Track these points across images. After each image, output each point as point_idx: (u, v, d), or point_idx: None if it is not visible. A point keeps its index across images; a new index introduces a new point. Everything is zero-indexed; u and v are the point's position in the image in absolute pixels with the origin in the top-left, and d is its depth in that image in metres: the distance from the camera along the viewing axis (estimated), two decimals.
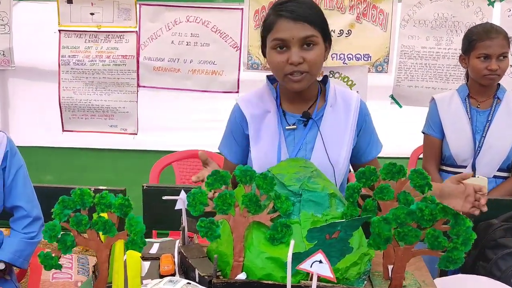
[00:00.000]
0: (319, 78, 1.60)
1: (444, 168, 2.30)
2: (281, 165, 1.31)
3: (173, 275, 1.24)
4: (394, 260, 1.07)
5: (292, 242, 1.00)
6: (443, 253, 1.04)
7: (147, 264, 1.31)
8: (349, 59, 3.37)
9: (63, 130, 3.56)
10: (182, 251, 1.27)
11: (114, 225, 1.04)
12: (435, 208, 1.01)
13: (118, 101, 3.51)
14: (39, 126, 3.63)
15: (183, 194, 1.28)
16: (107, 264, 1.05)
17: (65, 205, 1.03)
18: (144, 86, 3.47)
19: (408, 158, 3.09)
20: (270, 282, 1.10)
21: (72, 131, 3.57)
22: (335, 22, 3.19)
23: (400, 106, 3.34)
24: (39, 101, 3.61)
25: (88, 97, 3.54)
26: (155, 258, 1.32)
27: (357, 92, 1.59)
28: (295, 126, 1.52)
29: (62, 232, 1.04)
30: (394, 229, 1.05)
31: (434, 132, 2.29)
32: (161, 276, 1.24)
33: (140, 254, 0.99)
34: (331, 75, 3.37)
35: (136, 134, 3.52)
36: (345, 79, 3.41)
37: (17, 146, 1.66)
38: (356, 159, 1.60)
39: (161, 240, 1.45)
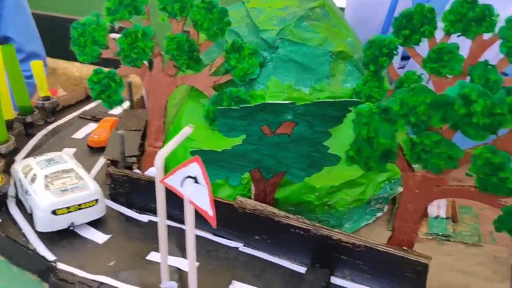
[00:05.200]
0: None
1: None
2: None
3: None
4: (402, 195, 0.52)
5: (187, 129, 0.52)
6: (505, 204, 0.46)
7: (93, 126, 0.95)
8: None
9: None
10: (120, 117, 0.87)
11: None
12: (499, 97, 0.41)
13: None
14: None
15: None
16: None
17: None
18: None
19: None
20: None
21: None
22: None
23: None
24: None
25: None
26: (97, 120, 0.96)
27: None
28: None
29: None
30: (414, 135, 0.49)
31: None
32: (89, 147, 0.88)
33: None
34: None
35: None
36: None
37: None
38: None
39: None
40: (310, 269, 0.61)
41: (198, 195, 0.44)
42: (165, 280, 0.54)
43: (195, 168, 0.43)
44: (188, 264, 0.50)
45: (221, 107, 0.52)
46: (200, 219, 0.68)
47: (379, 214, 0.72)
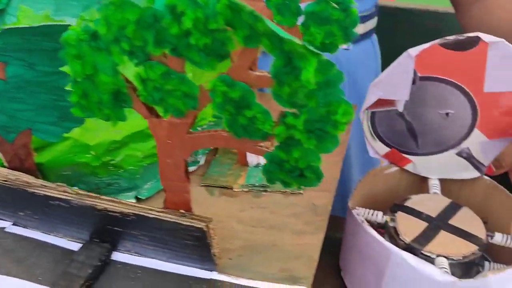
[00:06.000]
0: None
1: None
2: None
3: None
4: (157, 147, 0.41)
5: None
6: (267, 150, 0.36)
7: None
8: None
9: None
10: None
11: None
12: (211, 6, 0.29)
13: None
14: None
15: None
16: None
17: None
18: None
19: None
20: None
21: None
22: None
23: None
24: None
25: None
26: None
27: None
28: None
29: None
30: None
31: None
32: None
33: None
34: None
35: None
36: None
37: None
38: None
39: None
40: (84, 247, 0.49)
41: None
42: None
43: None
44: None
45: None
46: None
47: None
